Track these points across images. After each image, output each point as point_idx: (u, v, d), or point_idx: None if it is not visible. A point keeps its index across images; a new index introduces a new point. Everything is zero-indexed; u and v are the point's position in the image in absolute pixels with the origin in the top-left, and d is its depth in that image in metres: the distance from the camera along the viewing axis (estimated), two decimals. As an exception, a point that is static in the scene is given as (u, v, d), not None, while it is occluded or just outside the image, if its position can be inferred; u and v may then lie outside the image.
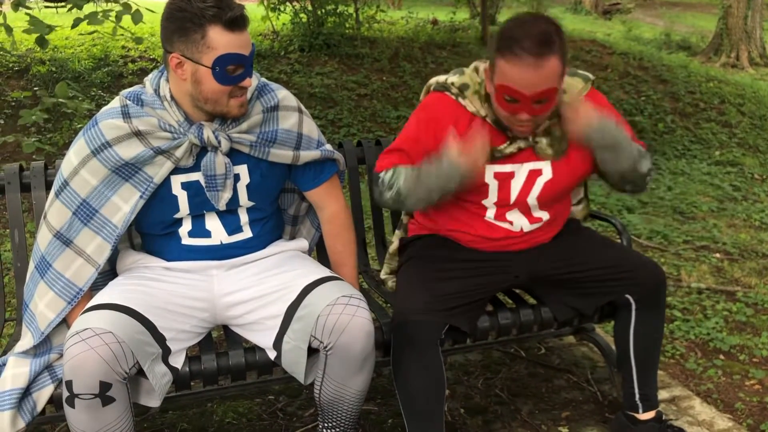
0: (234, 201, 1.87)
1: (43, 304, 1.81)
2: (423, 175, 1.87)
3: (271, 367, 1.89)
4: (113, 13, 4.57)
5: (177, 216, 1.86)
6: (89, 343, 1.56)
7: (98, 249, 1.82)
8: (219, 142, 1.78)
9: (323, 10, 7.59)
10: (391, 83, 6.86)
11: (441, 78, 2.03)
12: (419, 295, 1.93)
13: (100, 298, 1.74)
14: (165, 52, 1.74)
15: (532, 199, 2.00)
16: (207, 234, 1.88)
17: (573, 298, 2.08)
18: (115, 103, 1.81)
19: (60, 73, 6.08)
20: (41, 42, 4.38)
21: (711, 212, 4.71)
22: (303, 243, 2.07)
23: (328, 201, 2.03)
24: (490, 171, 1.96)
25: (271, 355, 1.84)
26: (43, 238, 1.82)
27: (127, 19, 4.52)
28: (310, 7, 7.64)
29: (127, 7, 4.55)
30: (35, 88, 5.78)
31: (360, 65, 7.07)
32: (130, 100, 1.80)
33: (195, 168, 1.82)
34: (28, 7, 5.01)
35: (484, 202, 2.00)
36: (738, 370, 2.66)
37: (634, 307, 2.05)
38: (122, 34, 5.07)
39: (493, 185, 1.98)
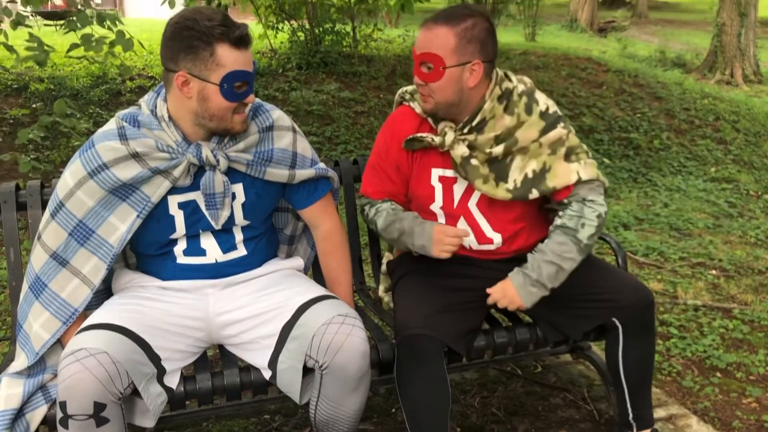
0: (230, 220, 1.88)
1: (38, 325, 1.80)
2: (398, 229, 2.03)
3: (266, 387, 1.88)
4: (108, 40, 4.65)
5: (173, 236, 1.86)
6: (84, 364, 1.56)
7: (94, 269, 1.82)
8: (217, 161, 1.79)
9: (321, 29, 7.64)
10: (388, 101, 6.89)
11: (400, 90, 2.14)
12: (421, 309, 1.94)
13: (95, 317, 1.74)
14: (167, 72, 1.75)
15: (472, 204, 2.02)
16: (202, 252, 1.88)
17: (562, 320, 2.07)
18: (112, 124, 1.82)
19: (58, 90, 6.10)
20: (40, 61, 4.43)
21: (707, 229, 4.72)
22: (299, 262, 2.08)
23: (323, 219, 2.03)
24: (435, 174, 2.04)
25: (266, 374, 1.83)
26: (38, 258, 1.82)
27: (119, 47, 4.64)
28: (307, 26, 7.69)
29: (121, 35, 4.62)
30: (33, 106, 5.80)
31: (357, 83, 7.10)
32: (126, 121, 1.80)
33: (192, 188, 1.82)
34: (27, 26, 5.05)
35: (431, 207, 2.06)
36: (735, 387, 2.66)
37: (620, 330, 2.03)
38: (113, 61, 5.14)
39: (438, 188, 2.04)
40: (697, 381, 2.70)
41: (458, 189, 2.03)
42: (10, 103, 5.84)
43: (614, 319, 2.02)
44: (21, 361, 1.81)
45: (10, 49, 4.76)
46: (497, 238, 2.04)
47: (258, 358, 1.85)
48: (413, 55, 1.92)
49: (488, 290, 2.00)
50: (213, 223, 1.84)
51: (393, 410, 2.44)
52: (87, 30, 4.64)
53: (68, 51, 4.64)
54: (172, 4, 5.31)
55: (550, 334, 2.09)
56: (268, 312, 1.85)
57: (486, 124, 1.95)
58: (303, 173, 1.94)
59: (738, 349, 2.97)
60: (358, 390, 1.78)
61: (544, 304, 2.05)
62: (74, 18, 4.66)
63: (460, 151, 1.94)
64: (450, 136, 1.95)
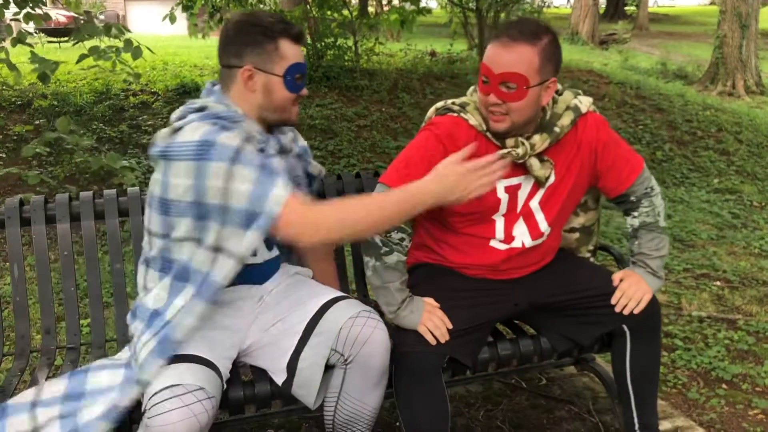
0: None
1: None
2: (386, 284, 1.94)
3: (270, 400, 1.88)
4: (114, 49, 4.69)
5: None
6: (193, 410, 1.54)
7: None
8: (291, 147, 1.96)
9: (323, 43, 7.69)
10: (390, 114, 6.92)
11: (439, 104, 2.05)
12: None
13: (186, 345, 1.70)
14: (228, 69, 1.80)
15: (535, 204, 2.02)
16: (254, 253, 1.89)
17: (571, 328, 2.08)
18: (204, 126, 1.69)
19: (62, 107, 6.14)
20: (43, 78, 4.47)
21: (711, 240, 4.71)
22: (308, 270, 2.09)
23: None
24: (501, 186, 1.98)
25: (280, 378, 1.82)
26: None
27: (127, 54, 4.66)
28: (309, 41, 7.73)
29: (129, 43, 4.67)
30: (37, 122, 5.83)
31: (359, 97, 7.13)
32: (213, 119, 1.72)
33: None
34: (28, 44, 5.10)
35: (493, 216, 2.00)
36: (741, 399, 2.64)
37: (628, 336, 2.05)
38: (123, 69, 5.17)
39: (504, 199, 1.99)
40: (702, 393, 2.68)
41: (522, 193, 2.01)
42: (14, 120, 5.88)
43: (623, 325, 2.04)
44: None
45: (12, 67, 4.80)
46: (548, 231, 2.06)
47: (276, 359, 1.84)
48: (487, 74, 1.84)
49: (614, 283, 2.04)
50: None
51: (397, 423, 2.43)
52: (95, 42, 4.68)
53: (78, 61, 4.68)
54: (173, 20, 5.36)
55: (557, 343, 2.09)
56: (289, 314, 1.86)
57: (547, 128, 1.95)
58: (322, 169, 2.17)
59: (743, 360, 2.95)
60: (380, 385, 1.83)
61: (551, 312, 2.06)
62: (80, 30, 4.70)
63: (535, 163, 1.95)
64: (526, 147, 1.92)
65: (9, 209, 2.18)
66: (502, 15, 9.94)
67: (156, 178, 1.74)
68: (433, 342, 1.87)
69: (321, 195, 2.41)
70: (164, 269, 1.79)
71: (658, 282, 2.06)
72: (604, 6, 24.76)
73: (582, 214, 2.22)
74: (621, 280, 2.05)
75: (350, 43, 7.93)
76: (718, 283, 3.87)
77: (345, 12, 7.87)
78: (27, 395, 1.71)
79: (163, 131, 1.75)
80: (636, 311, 2.00)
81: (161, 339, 1.67)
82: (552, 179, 2.01)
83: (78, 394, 1.70)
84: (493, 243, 2.04)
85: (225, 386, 1.76)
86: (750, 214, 5.41)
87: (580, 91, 2.08)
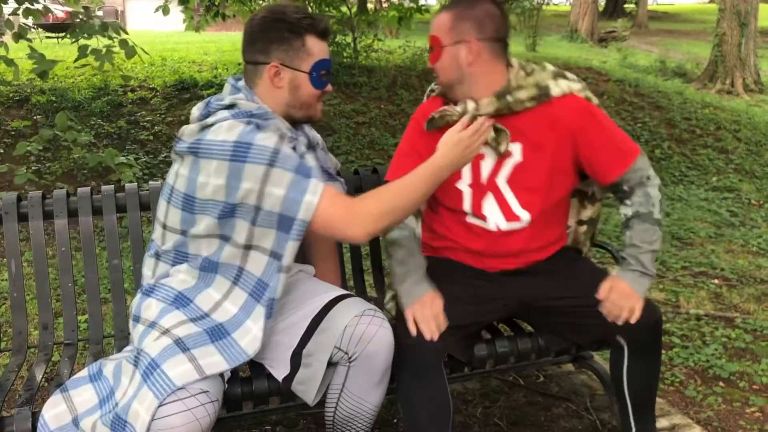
0: None
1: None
2: (399, 261, 2.00)
3: (267, 397, 1.87)
4: (113, 47, 4.71)
5: None
6: (195, 414, 1.53)
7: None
8: (317, 142, 1.97)
9: (321, 40, 7.67)
10: (389, 111, 6.92)
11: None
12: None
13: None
14: (254, 65, 1.79)
15: (501, 180, 2.01)
16: None
17: (565, 331, 2.05)
18: (238, 125, 1.68)
19: (60, 102, 6.12)
20: (42, 74, 4.48)
21: (709, 238, 4.72)
22: (311, 267, 2.08)
23: None
24: None
25: (282, 373, 1.82)
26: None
27: (122, 52, 4.72)
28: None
29: (124, 43, 4.69)
30: (35, 117, 5.82)
31: (358, 94, 7.13)
32: (243, 120, 1.70)
33: None
34: (28, 40, 5.10)
35: (458, 184, 2.03)
36: (738, 397, 2.64)
37: (626, 350, 2.00)
38: (114, 71, 5.20)
39: (465, 167, 2.03)
40: (699, 390, 2.69)
41: (486, 165, 2.01)
42: (12, 115, 5.86)
43: (619, 338, 1.99)
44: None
45: (9, 62, 4.80)
46: (525, 216, 2.01)
47: (279, 353, 1.84)
48: None
49: (599, 297, 1.96)
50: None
51: (395, 420, 2.43)
52: (92, 42, 4.70)
53: (76, 60, 4.69)
54: (165, 12, 5.37)
55: (553, 343, 2.07)
56: (293, 310, 1.85)
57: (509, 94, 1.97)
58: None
59: (741, 358, 2.96)
60: (382, 383, 1.83)
61: (548, 313, 2.04)
62: (77, 30, 4.72)
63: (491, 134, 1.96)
64: (471, 104, 1.94)
65: (6, 204, 2.18)
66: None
67: (182, 174, 1.72)
68: (413, 331, 1.86)
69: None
70: (178, 262, 1.80)
71: (648, 280, 2.00)
72: (603, 4, 24.75)
73: (590, 206, 2.19)
74: (610, 289, 1.97)
75: (349, 39, 7.92)
76: (716, 281, 3.88)
77: (344, 9, 7.86)
78: (64, 415, 1.67)
79: (191, 127, 1.75)
80: (632, 321, 1.93)
81: (211, 332, 1.70)
82: (516, 157, 1.99)
83: (109, 393, 1.68)
84: (470, 219, 2.04)
85: (226, 386, 1.75)
86: (748, 212, 5.42)
87: (569, 75, 2.05)
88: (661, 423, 2.38)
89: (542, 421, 2.45)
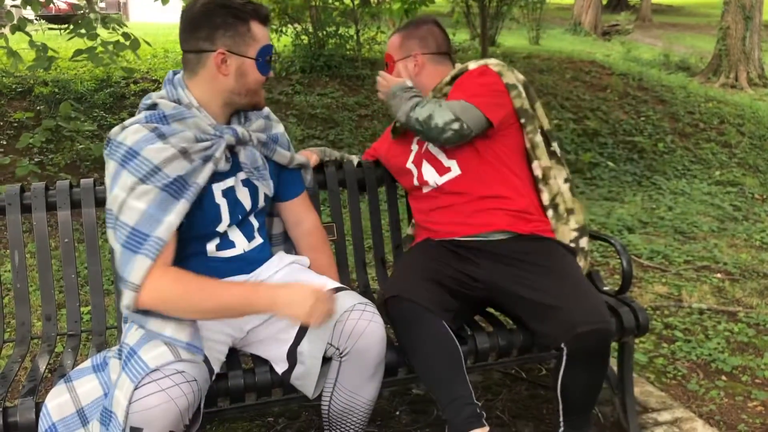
0: (253, 204, 1.90)
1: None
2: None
3: (270, 389, 1.88)
4: (113, 43, 4.70)
5: (218, 228, 1.84)
6: (169, 394, 1.51)
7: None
8: (250, 137, 1.86)
9: (324, 32, 7.65)
10: (392, 104, 6.89)
11: None
12: (408, 276, 2.04)
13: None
14: (197, 54, 1.76)
15: (430, 145, 2.23)
16: (232, 245, 1.88)
17: (537, 327, 1.98)
18: (142, 131, 1.70)
19: (63, 94, 6.12)
20: (47, 61, 4.48)
21: (712, 232, 4.71)
22: (305, 259, 2.08)
23: (307, 213, 2.09)
24: (414, 146, 2.30)
25: (281, 368, 1.83)
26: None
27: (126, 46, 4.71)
28: (311, 29, 7.70)
29: (126, 36, 4.68)
30: (38, 108, 5.81)
31: (361, 86, 7.11)
32: (154, 122, 1.73)
33: (230, 173, 1.84)
34: (27, 33, 5.09)
35: (407, 165, 2.29)
36: (740, 391, 2.64)
37: (564, 356, 1.89)
38: (115, 66, 5.19)
39: (414, 149, 2.29)
40: (702, 384, 2.69)
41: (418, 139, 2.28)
42: (15, 106, 5.86)
43: (561, 343, 1.88)
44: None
45: (11, 53, 4.79)
46: (454, 165, 2.17)
47: (276, 350, 1.84)
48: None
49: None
50: (268, 192, 1.91)
51: (397, 412, 2.44)
52: (92, 42, 4.70)
53: (72, 57, 4.69)
54: (165, 1, 5.35)
55: (528, 340, 2.08)
56: None
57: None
58: (298, 158, 2.06)
59: (743, 352, 2.96)
60: (375, 377, 1.82)
61: (512, 303, 2.03)
62: (79, 22, 4.71)
63: None
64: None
65: (9, 196, 2.18)
66: (504, 6, 9.92)
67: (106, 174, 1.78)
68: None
69: (321, 185, 2.41)
70: None
71: (402, 98, 2.16)
72: (607, -3, 24.64)
73: (545, 189, 2.18)
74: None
75: (352, 32, 7.90)
76: (718, 275, 3.87)
77: (347, 0, 7.83)
78: (67, 406, 1.67)
79: (116, 128, 1.76)
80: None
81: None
82: None
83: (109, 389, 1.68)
84: (425, 190, 2.24)
85: (216, 370, 1.75)
86: (751, 207, 5.41)
87: (487, 60, 2.23)
88: (664, 416, 2.38)
89: (544, 414, 2.45)
